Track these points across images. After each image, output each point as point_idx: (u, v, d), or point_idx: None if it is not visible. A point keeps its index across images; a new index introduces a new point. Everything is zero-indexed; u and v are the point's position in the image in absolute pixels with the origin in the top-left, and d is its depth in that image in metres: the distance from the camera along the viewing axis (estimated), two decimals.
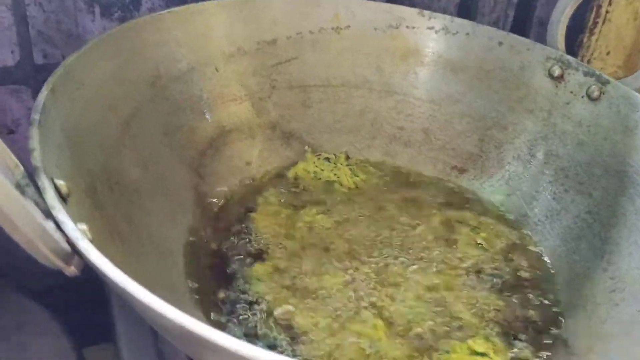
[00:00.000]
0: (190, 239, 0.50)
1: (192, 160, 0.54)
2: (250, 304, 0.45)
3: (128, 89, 0.50)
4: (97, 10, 0.58)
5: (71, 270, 0.31)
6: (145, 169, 0.49)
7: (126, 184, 0.46)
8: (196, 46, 0.57)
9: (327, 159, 0.60)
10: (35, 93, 0.47)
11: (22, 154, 0.35)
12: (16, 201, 0.27)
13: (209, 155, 0.56)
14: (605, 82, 0.56)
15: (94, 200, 0.41)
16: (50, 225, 0.31)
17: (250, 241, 0.51)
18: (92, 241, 0.32)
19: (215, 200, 0.54)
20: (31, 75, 0.56)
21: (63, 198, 0.35)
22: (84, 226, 0.33)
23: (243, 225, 0.53)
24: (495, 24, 0.78)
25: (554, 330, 0.47)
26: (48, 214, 0.32)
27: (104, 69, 0.48)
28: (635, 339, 0.41)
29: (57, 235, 0.30)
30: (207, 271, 0.48)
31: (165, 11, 0.55)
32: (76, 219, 0.33)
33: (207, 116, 0.57)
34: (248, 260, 0.49)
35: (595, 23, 0.73)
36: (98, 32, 0.59)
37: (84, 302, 0.54)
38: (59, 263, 0.30)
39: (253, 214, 0.54)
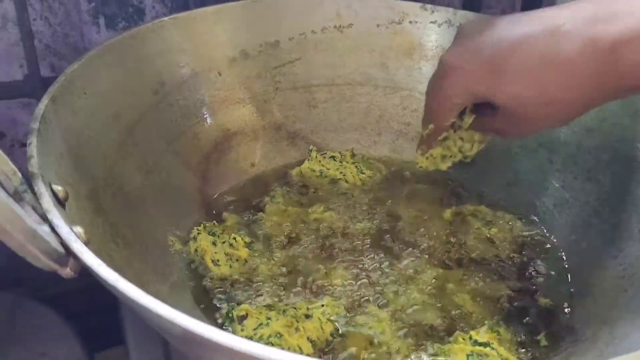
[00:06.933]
0: None
1: (197, 165, 0.55)
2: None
3: (131, 97, 0.51)
4: (101, 21, 0.59)
5: (67, 272, 0.32)
6: (149, 175, 0.50)
7: (130, 190, 0.47)
8: (199, 52, 0.57)
9: (333, 157, 0.60)
10: None
11: None
12: (5, 206, 0.28)
13: (214, 159, 0.56)
14: None
15: (97, 205, 0.41)
16: (45, 229, 0.32)
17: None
18: (87, 243, 0.33)
19: (220, 201, 0.55)
20: (38, 88, 0.57)
21: (61, 203, 0.35)
22: (79, 229, 0.33)
23: (250, 225, 0.53)
24: None
25: (561, 318, 0.46)
26: (45, 218, 0.33)
27: (106, 78, 0.48)
28: None
29: (51, 237, 0.31)
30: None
31: (167, 18, 0.55)
32: (73, 223, 0.34)
33: (211, 120, 0.57)
34: None
35: None
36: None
37: (95, 307, 0.56)
38: (52, 265, 0.30)
39: (260, 214, 0.54)
